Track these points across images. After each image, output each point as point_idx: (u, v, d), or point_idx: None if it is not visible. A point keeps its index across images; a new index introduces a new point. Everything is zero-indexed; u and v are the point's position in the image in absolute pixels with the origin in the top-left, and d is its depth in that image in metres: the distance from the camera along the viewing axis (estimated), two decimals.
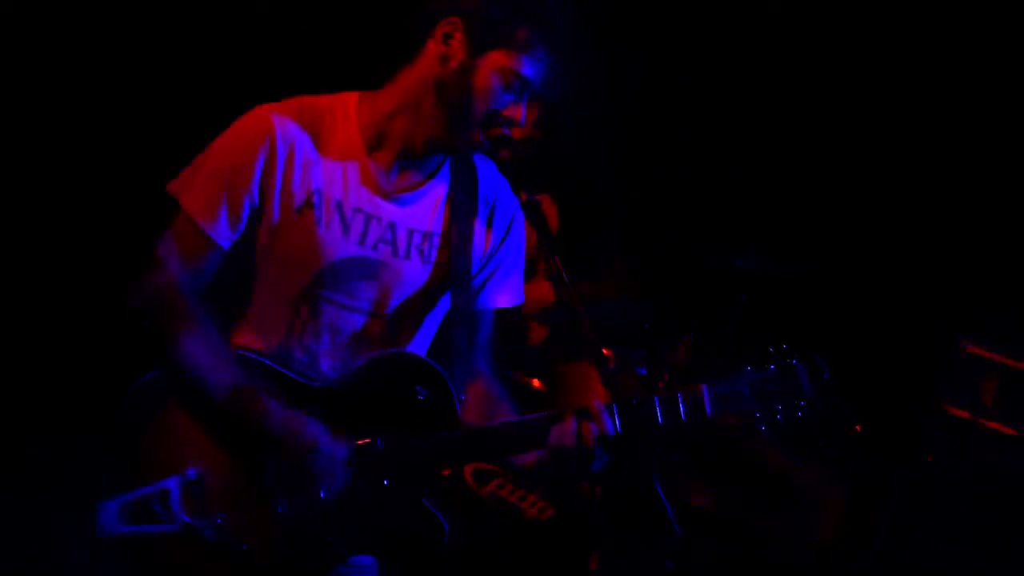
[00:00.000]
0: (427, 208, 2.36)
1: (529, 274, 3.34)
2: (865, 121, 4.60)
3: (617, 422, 2.17)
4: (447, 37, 2.19)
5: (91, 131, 4.15)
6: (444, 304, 2.41)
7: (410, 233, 2.34)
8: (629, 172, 4.78)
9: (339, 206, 2.28)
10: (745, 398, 2.21)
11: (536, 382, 3.99)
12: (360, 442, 2.21)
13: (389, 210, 2.31)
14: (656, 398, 2.18)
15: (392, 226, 2.32)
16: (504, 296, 2.47)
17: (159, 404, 2.21)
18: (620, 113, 4.67)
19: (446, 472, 2.30)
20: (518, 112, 2.22)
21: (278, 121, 2.25)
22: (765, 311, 4.07)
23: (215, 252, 2.25)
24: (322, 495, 2.16)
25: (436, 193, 2.37)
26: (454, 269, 2.36)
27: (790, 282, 4.22)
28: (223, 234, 2.24)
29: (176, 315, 2.21)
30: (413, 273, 2.35)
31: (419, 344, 2.43)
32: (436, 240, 2.36)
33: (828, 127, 4.63)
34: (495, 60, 2.17)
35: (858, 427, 3.63)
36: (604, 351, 3.89)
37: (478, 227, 2.40)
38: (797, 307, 4.37)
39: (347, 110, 2.31)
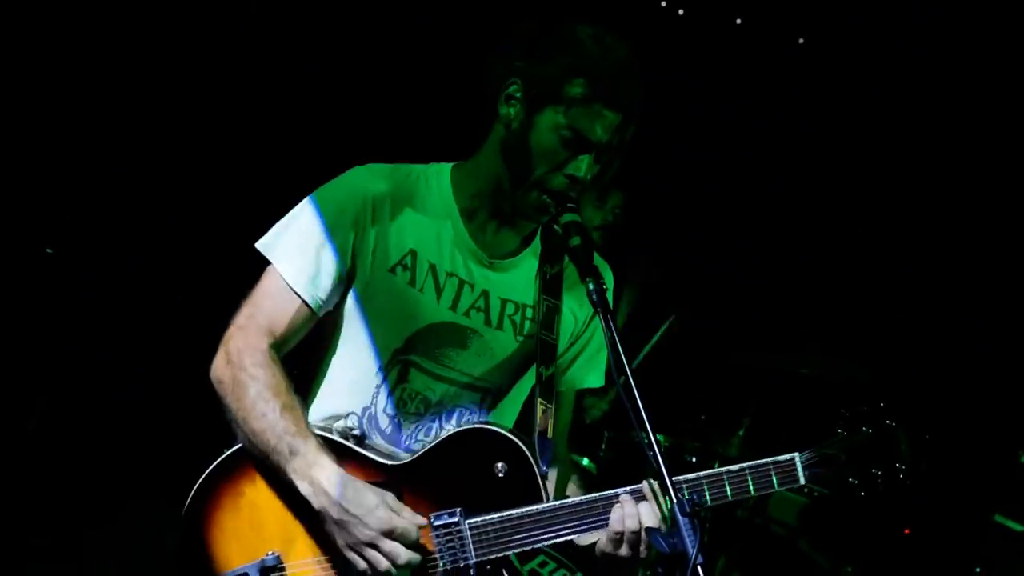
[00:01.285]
0: (521, 279, 2.29)
1: None
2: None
3: (685, 501, 1.91)
4: (509, 99, 2.16)
5: (183, 188, 4.28)
6: (532, 378, 2.29)
7: (503, 303, 2.27)
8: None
9: (432, 269, 2.22)
10: (840, 463, 2.07)
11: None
12: (438, 519, 2.10)
13: (483, 277, 2.25)
14: (749, 471, 2.04)
15: (485, 294, 2.26)
16: (590, 376, 2.37)
17: (237, 483, 2.14)
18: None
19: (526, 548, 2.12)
20: (579, 168, 2.12)
21: (373, 180, 2.21)
22: (821, 416, 4.04)
23: (306, 313, 2.18)
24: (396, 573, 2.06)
25: (530, 264, 2.30)
26: (543, 344, 2.26)
27: (851, 388, 4.20)
28: (315, 294, 2.17)
29: (255, 388, 2.11)
30: (505, 344, 2.27)
31: (504, 416, 2.33)
32: (529, 312, 2.29)
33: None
34: (552, 116, 2.11)
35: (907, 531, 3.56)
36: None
37: (568, 303, 2.32)
38: (857, 414, 4.32)
39: (440, 177, 2.27)
